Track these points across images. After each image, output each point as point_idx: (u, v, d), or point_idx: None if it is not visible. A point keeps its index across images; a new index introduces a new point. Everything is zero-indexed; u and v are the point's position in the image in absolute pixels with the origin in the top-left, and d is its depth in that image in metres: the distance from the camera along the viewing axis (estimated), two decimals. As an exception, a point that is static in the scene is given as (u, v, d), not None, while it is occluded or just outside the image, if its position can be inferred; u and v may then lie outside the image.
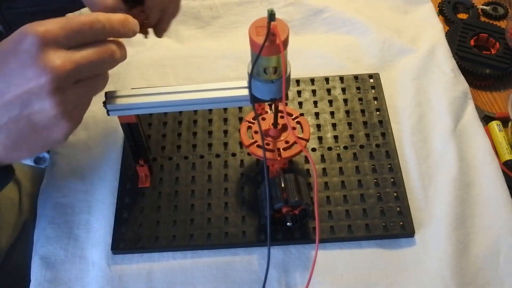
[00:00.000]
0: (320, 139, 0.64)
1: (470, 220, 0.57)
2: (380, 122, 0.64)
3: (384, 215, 0.57)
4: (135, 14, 0.54)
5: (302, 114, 0.59)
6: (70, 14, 0.41)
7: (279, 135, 0.56)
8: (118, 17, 0.43)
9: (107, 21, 0.42)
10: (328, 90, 0.68)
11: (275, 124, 0.56)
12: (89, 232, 0.59)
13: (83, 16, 0.41)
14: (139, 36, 0.75)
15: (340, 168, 0.61)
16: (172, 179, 0.61)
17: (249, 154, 0.62)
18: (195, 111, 0.66)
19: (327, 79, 0.69)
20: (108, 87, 0.54)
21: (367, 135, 0.63)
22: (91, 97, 0.44)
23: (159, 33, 0.60)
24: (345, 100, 0.67)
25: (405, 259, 0.55)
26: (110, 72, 0.72)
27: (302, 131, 0.57)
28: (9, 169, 0.49)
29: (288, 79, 0.49)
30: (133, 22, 0.45)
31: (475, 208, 0.58)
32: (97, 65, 0.42)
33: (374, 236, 0.56)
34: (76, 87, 0.41)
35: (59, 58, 0.39)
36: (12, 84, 0.38)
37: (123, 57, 0.45)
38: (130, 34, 0.45)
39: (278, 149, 0.55)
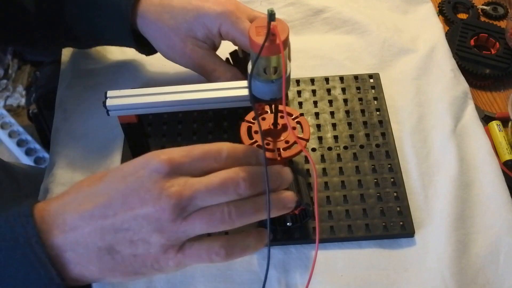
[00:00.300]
0: (320, 139, 0.64)
1: (470, 220, 0.57)
2: (380, 122, 0.64)
3: (384, 215, 0.57)
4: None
5: (302, 114, 0.59)
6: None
7: (279, 135, 0.56)
8: (243, 147, 0.43)
9: (232, 150, 0.41)
10: (328, 90, 0.68)
11: (275, 124, 0.56)
12: (89, 232, 0.59)
13: (208, 144, 0.41)
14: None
15: (340, 168, 0.61)
16: (172, 179, 0.61)
17: (249, 154, 0.62)
18: (195, 111, 0.66)
19: (327, 79, 0.69)
20: (108, 87, 0.54)
21: (367, 135, 0.63)
22: (209, 229, 0.40)
23: None
24: (345, 100, 0.67)
25: (405, 259, 0.55)
26: (110, 72, 0.72)
27: (302, 131, 0.57)
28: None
29: (288, 79, 0.49)
30: (258, 152, 0.43)
31: (475, 208, 0.58)
32: (218, 193, 0.39)
33: (374, 236, 0.56)
34: (193, 218, 0.39)
35: (178, 186, 0.38)
36: (126, 203, 0.38)
37: (256, 187, 0.41)
38: (253, 163, 0.43)
39: (278, 149, 0.55)
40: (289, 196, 0.43)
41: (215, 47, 0.61)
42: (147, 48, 0.64)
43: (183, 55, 0.60)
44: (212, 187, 0.39)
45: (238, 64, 0.62)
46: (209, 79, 0.60)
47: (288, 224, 0.54)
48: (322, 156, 0.62)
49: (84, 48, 0.72)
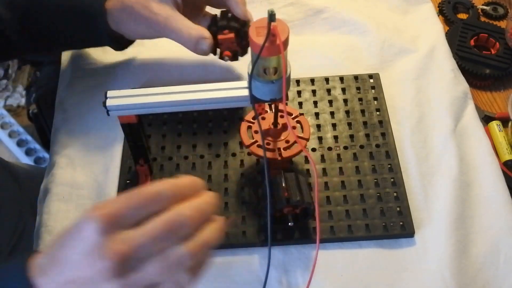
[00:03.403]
0: (320, 139, 0.64)
1: (470, 220, 0.57)
2: (380, 122, 0.64)
3: (384, 215, 0.57)
4: (225, 38, 0.58)
5: (302, 114, 0.59)
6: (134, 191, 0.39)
7: (279, 134, 0.56)
8: (185, 182, 0.40)
9: (172, 188, 0.39)
10: (328, 90, 0.68)
11: (275, 123, 0.56)
12: (89, 232, 0.59)
13: (147, 188, 0.39)
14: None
15: (340, 168, 0.61)
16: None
17: (249, 154, 0.62)
18: (195, 111, 0.66)
19: (327, 79, 0.69)
20: (108, 87, 0.54)
21: (367, 135, 0.63)
22: (164, 276, 0.38)
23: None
24: (345, 100, 0.67)
25: (405, 259, 0.55)
26: (110, 72, 0.72)
27: (302, 131, 0.57)
28: None
29: (288, 79, 0.49)
30: (201, 183, 0.41)
31: (475, 208, 0.58)
32: (163, 239, 0.38)
33: (374, 236, 0.56)
34: (142, 266, 0.37)
35: (119, 242, 0.37)
36: (72, 266, 0.37)
37: (202, 217, 0.40)
38: (196, 194, 0.41)
39: (279, 149, 0.55)
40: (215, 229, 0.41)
41: (178, 5, 0.61)
42: (119, 44, 0.65)
43: (148, 20, 0.59)
44: (155, 235, 0.37)
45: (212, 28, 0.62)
46: (176, 39, 0.60)
47: (290, 224, 0.54)
48: (322, 156, 0.62)
49: (62, 50, 0.73)
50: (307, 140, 0.57)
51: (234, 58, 0.61)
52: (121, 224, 0.37)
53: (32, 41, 0.64)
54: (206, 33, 0.59)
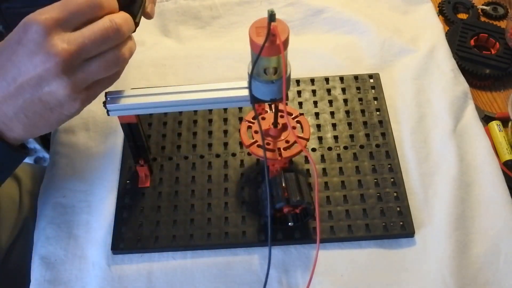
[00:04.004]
0: (320, 139, 0.64)
1: (470, 220, 0.57)
2: (380, 122, 0.64)
3: (384, 215, 0.57)
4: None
5: (302, 114, 0.59)
6: None
7: (279, 134, 0.56)
8: None
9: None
10: (328, 90, 0.68)
11: (275, 123, 0.56)
12: (89, 232, 0.59)
13: None
14: (139, 36, 0.75)
15: (340, 168, 0.61)
16: (172, 179, 0.61)
17: (249, 154, 0.62)
18: (195, 111, 0.66)
19: (327, 79, 0.69)
20: (108, 87, 0.54)
21: (367, 135, 0.63)
22: (105, 73, 0.46)
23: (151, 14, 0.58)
24: (345, 100, 0.67)
25: (405, 259, 0.55)
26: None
27: (302, 131, 0.57)
28: (24, 146, 0.52)
29: (288, 79, 0.49)
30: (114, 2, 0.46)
31: (475, 208, 0.58)
32: (103, 40, 0.43)
33: (374, 236, 0.56)
34: (86, 66, 0.43)
35: (63, 42, 0.42)
36: (21, 70, 0.42)
37: (130, 30, 0.46)
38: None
39: (279, 149, 0.55)
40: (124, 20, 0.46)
41: None
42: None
43: None
44: (95, 37, 0.43)
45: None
46: None
47: (290, 224, 0.54)
48: (322, 156, 0.62)
49: None
50: (307, 140, 0.57)
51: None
52: (63, 26, 0.42)
53: None
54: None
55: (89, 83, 0.45)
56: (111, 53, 0.45)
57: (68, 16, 0.42)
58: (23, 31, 0.42)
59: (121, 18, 0.45)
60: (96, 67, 0.44)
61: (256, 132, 0.57)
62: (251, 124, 0.58)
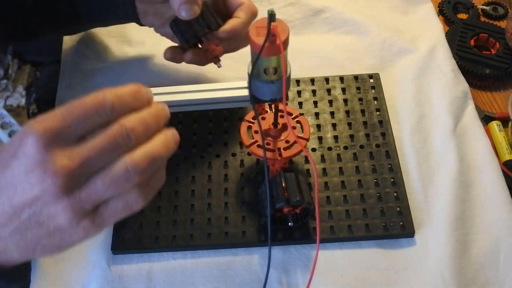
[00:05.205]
0: (320, 139, 0.64)
1: (470, 220, 0.57)
2: (380, 122, 0.64)
3: (384, 215, 0.57)
4: (209, 46, 0.59)
5: (302, 114, 0.59)
6: (75, 101, 0.37)
7: (279, 134, 0.56)
8: (128, 90, 0.39)
9: (116, 99, 0.37)
10: (328, 90, 0.68)
11: (275, 123, 0.56)
12: (89, 232, 0.58)
13: (88, 98, 0.36)
14: (140, 36, 0.75)
15: (340, 168, 0.61)
16: (172, 179, 0.61)
17: (249, 154, 0.62)
18: (195, 111, 0.66)
19: (327, 79, 0.69)
20: (108, 87, 0.53)
21: (367, 135, 0.63)
22: (113, 192, 0.37)
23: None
24: (345, 100, 0.67)
25: (405, 259, 0.55)
26: (110, 72, 0.72)
27: (302, 131, 0.57)
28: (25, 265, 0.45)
29: (288, 79, 0.49)
30: (146, 91, 0.40)
31: (475, 208, 0.58)
32: (111, 151, 0.36)
33: (374, 236, 0.56)
34: (90, 183, 0.36)
35: (63, 157, 0.35)
36: (17, 189, 0.36)
37: (147, 131, 0.38)
38: (145, 105, 0.39)
39: (279, 149, 0.55)
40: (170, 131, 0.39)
41: None
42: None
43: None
44: (101, 148, 0.36)
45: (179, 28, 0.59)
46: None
47: (290, 224, 0.54)
48: (322, 156, 0.62)
49: (80, 31, 0.72)
50: (307, 140, 0.57)
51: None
52: (64, 138, 0.35)
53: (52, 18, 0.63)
54: None
55: (95, 205, 0.37)
56: (119, 163, 0.36)
57: (70, 126, 0.35)
58: (19, 143, 0.35)
59: (137, 120, 0.37)
60: (101, 184, 0.36)
61: (256, 132, 0.57)
62: (251, 124, 0.58)
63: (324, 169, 0.61)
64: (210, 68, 0.71)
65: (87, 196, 0.36)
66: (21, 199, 0.36)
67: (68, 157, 0.35)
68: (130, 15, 0.63)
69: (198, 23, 0.56)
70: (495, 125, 0.66)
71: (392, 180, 0.60)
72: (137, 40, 0.75)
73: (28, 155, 0.35)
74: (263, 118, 0.57)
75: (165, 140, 0.39)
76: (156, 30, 0.64)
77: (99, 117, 0.36)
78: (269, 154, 0.55)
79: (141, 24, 0.64)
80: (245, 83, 0.50)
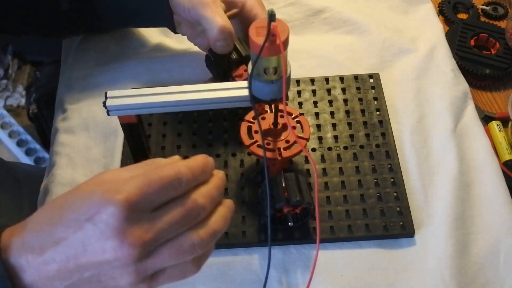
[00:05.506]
0: (320, 139, 0.64)
1: (470, 220, 0.57)
2: (380, 122, 0.64)
3: (384, 215, 0.57)
4: (239, 72, 0.61)
5: (302, 114, 0.59)
6: (152, 160, 0.41)
7: (279, 134, 0.56)
8: (199, 163, 0.41)
9: (189, 174, 0.39)
10: (328, 90, 0.68)
11: (275, 123, 0.56)
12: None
13: (164, 170, 0.38)
14: (140, 36, 0.75)
15: (340, 168, 0.61)
16: (172, 179, 0.61)
17: (249, 154, 0.62)
18: (195, 111, 0.66)
19: (327, 79, 0.69)
20: (108, 87, 0.54)
21: (367, 135, 0.63)
22: (175, 261, 0.39)
23: None
24: (345, 100, 0.67)
25: (405, 259, 0.55)
26: (110, 72, 0.72)
27: (302, 131, 0.57)
28: None
29: (288, 79, 0.49)
30: (212, 162, 0.42)
31: (475, 208, 0.58)
32: (181, 226, 0.38)
33: (374, 236, 0.56)
34: (158, 252, 0.38)
35: (141, 230, 0.36)
36: (87, 250, 0.36)
37: (212, 203, 0.40)
38: (211, 176, 0.42)
39: (279, 149, 0.55)
40: (229, 205, 0.42)
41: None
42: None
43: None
44: (175, 222, 0.38)
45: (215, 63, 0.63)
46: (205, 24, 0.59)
47: (290, 224, 0.54)
48: (322, 156, 0.62)
49: (107, 31, 0.73)
50: (307, 140, 0.57)
51: None
52: (141, 209, 0.37)
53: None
54: (228, 25, 0.58)
55: (156, 271, 0.39)
56: (187, 238, 0.38)
57: (148, 198, 0.37)
58: (96, 208, 0.36)
59: (206, 195, 0.40)
60: (167, 255, 0.38)
61: (256, 132, 0.57)
62: (251, 124, 0.58)
63: (324, 169, 0.61)
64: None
65: (153, 264, 0.38)
66: (89, 260, 0.37)
67: (145, 230, 0.37)
68: (167, 23, 0.65)
69: (230, 57, 0.61)
70: (495, 125, 0.66)
71: (392, 180, 0.60)
72: (137, 40, 0.75)
73: (107, 224, 0.36)
74: (263, 118, 0.57)
75: (225, 215, 0.41)
76: (189, 39, 0.66)
77: (174, 191, 0.38)
78: (269, 154, 0.55)
79: (175, 32, 0.66)
80: (245, 83, 0.50)
